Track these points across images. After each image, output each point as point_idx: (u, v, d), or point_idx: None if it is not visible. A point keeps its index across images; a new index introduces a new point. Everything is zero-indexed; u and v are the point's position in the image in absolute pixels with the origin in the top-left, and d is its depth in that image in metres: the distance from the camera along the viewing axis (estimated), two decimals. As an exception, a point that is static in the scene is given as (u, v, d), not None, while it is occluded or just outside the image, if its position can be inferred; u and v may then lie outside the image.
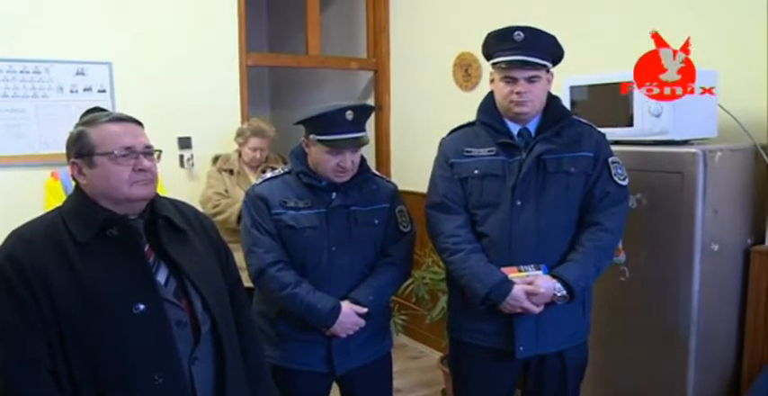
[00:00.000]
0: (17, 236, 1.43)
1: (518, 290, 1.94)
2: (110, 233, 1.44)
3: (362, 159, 2.13)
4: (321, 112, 1.99)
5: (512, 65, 1.95)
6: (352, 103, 2.05)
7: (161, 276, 1.49)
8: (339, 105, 1.99)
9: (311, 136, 2.02)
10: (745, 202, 2.31)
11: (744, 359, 2.31)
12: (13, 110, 3.36)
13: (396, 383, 2.37)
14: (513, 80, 1.97)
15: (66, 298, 1.37)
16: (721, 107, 2.30)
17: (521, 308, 1.96)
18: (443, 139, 2.19)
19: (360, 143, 2.02)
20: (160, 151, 1.54)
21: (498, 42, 1.98)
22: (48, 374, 1.37)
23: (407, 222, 2.16)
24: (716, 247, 2.19)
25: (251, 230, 2.05)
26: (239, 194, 3.23)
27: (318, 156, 2.02)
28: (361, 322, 2.03)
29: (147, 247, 1.49)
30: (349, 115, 1.97)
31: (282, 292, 1.99)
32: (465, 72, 3.76)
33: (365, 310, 2.02)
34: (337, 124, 1.97)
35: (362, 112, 2.04)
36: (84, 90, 3.51)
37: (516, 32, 1.94)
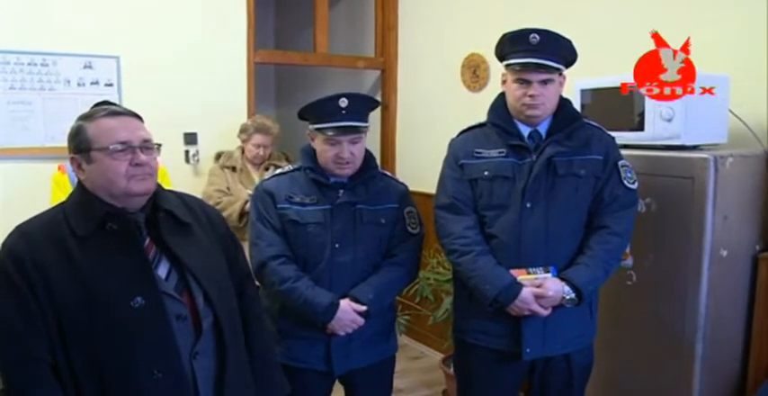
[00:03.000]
0: (20, 232, 1.43)
1: (527, 292, 1.94)
2: (109, 227, 1.44)
3: (370, 156, 2.12)
4: (316, 100, 2.01)
5: (526, 67, 1.95)
6: (350, 92, 2.05)
7: (162, 270, 1.48)
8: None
9: (310, 126, 2.05)
10: (755, 208, 2.30)
11: (750, 365, 2.30)
12: (20, 102, 3.35)
13: (397, 383, 2.37)
14: (527, 83, 1.96)
15: (65, 293, 1.37)
16: (732, 112, 2.30)
17: (529, 310, 1.95)
18: (453, 139, 2.18)
19: (355, 131, 2.00)
20: (159, 145, 1.52)
21: (513, 44, 1.98)
22: (49, 371, 1.36)
23: (416, 224, 2.15)
24: (724, 253, 2.18)
25: (255, 224, 2.07)
26: (241, 192, 3.22)
27: (319, 147, 2.04)
28: (360, 320, 2.01)
29: (147, 241, 1.48)
30: (342, 103, 1.97)
31: (282, 286, 1.99)
32: (473, 73, 3.75)
33: (364, 308, 2.00)
34: (332, 112, 1.98)
35: (358, 100, 2.02)
36: (92, 84, 3.50)
37: (532, 35, 1.93)
